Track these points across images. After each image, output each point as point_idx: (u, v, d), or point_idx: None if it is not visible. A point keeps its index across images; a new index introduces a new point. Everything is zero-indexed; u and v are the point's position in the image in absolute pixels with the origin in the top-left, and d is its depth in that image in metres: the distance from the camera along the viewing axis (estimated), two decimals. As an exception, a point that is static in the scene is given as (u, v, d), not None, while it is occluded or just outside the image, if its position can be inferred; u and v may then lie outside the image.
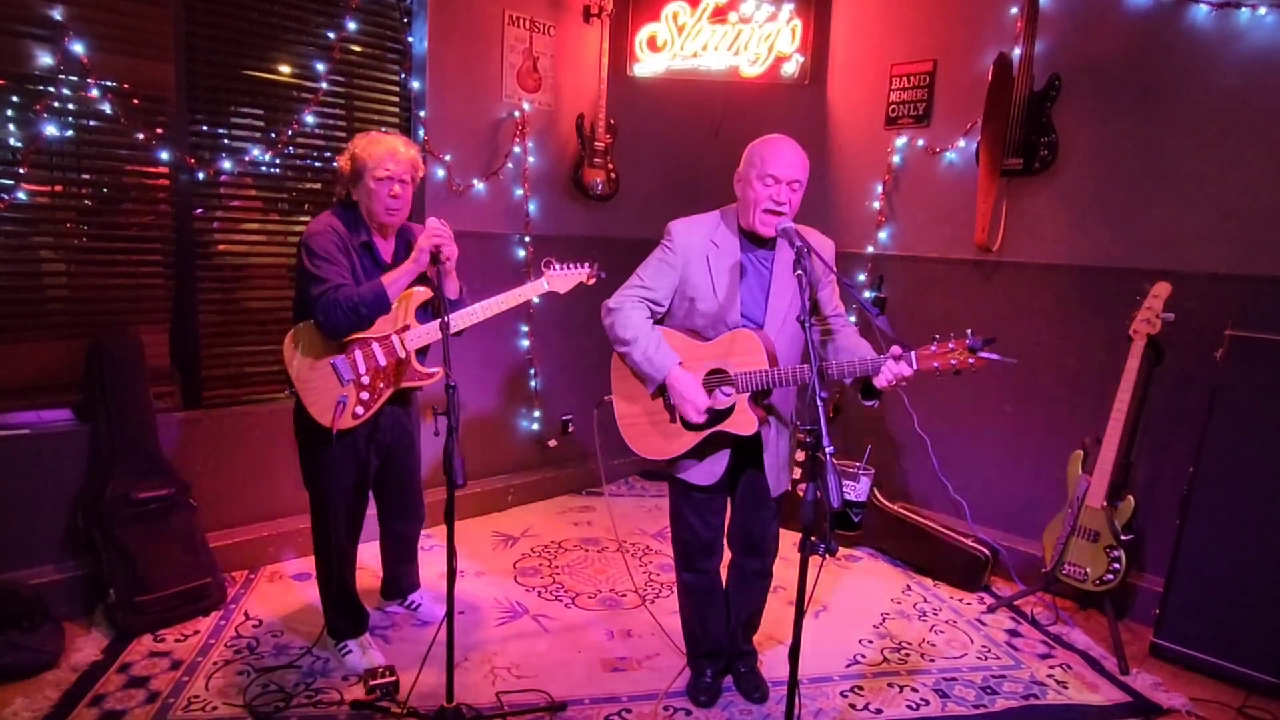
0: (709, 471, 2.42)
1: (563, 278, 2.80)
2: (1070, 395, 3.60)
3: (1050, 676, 2.92)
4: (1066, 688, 2.85)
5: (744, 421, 2.31)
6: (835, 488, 1.87)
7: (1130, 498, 3.13)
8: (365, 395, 2.54)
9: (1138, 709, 2.75)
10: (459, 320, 2.62)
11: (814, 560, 1.97)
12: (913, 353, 2.11)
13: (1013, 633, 3.24)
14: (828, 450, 1.89)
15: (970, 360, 2.07)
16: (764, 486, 2.45)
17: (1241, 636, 2.89)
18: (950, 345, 2.09)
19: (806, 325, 2.04)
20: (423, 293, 2.61)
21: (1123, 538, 3.10)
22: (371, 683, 2.56)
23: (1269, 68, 3.05)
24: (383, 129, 2.66)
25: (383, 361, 2.57)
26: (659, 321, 2.46)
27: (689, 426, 2.37)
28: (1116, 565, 3.11)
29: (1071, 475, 3.28)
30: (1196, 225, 3.25)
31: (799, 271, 2.12)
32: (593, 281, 2.85)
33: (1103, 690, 2.85)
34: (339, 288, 2.39)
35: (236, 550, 3.34)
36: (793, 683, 2.10)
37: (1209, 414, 3.00)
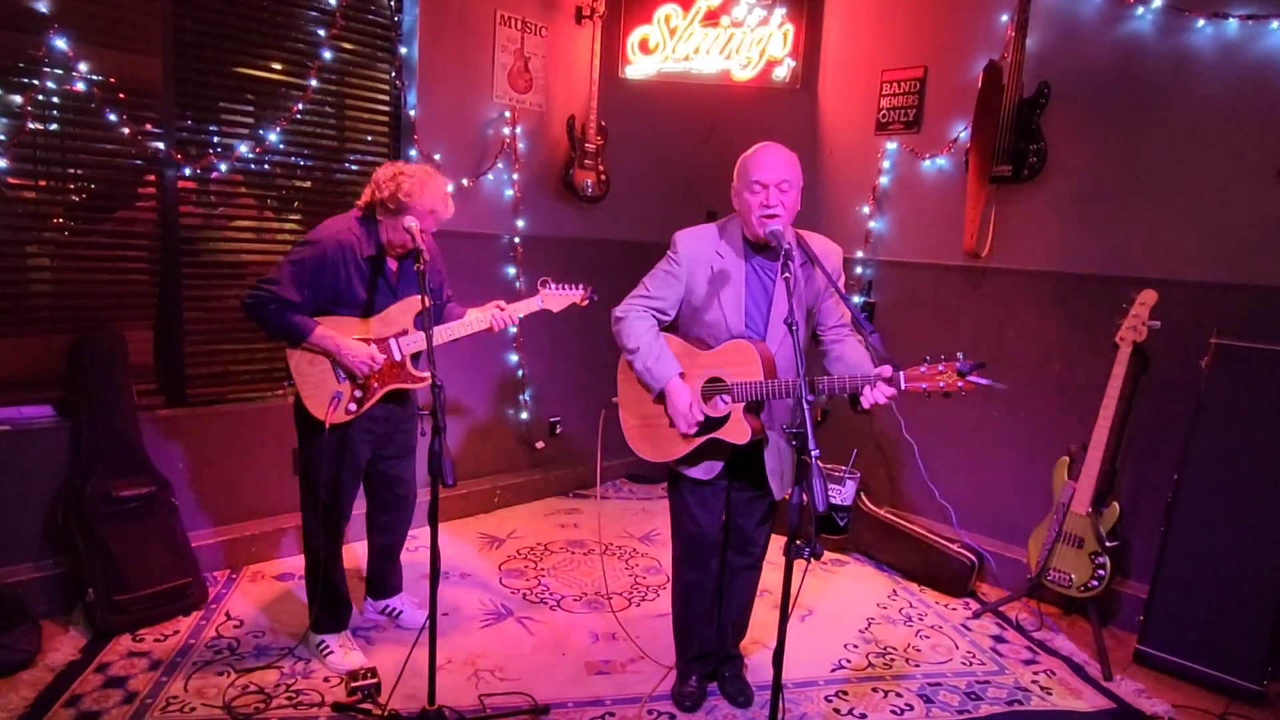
0: (708, 468, 2.46)
1: (557, 297, 2.88)
2: (1056, 402, 3.61)
3: (1034, 682, 2.92)
4: (1051, 694, 2.86)
5: (738, 431, 2.34)
6: (820, 491, 1.88)
7: (1115, 504, 3.14)
8: (359, 393, 2.61)
9: (1121, 716, 2.76)
10: (457, 329, 2.72)
11: (799, 564, 1.97)
12: (901, 374, 2.11)
13: (998, 638, 3.25)
14: (813, 454, 1.89)
15: (959, 384, 2.07)
16: (757, 487, 2.48)
17: (1225, 644, 2.91)
18: (940, 368, 2.08)
19: (794, 329, 2.04)
20: (417, 302, 2.63)
21: (1107, 544, 3.11)
22: (353, 684, 2.53)
23: (1257, 78, 3.08)
24: (415, 164, 2.68)
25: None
26: (669, 328, 2.49)
27: (685, 434, 2.40)
28: (1101, 572, 3.12)
29: (1057, 481, 3.29)
30: (1183, 234, 3.27)
31: (785, 275, 2.12)
32: (585, 304, 2.94)
33: (1086, 697, 2.85)
34: (278, 298, 2.46)
35: (218, 549, 3.30)
36: (776, 686, 2.09)
37: (1194, 421, 3.02)
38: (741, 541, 2.62)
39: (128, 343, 3.08)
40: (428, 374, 2.61)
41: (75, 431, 2.96)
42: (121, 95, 3.05)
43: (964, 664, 3.03)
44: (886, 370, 2.13)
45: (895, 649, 3.10)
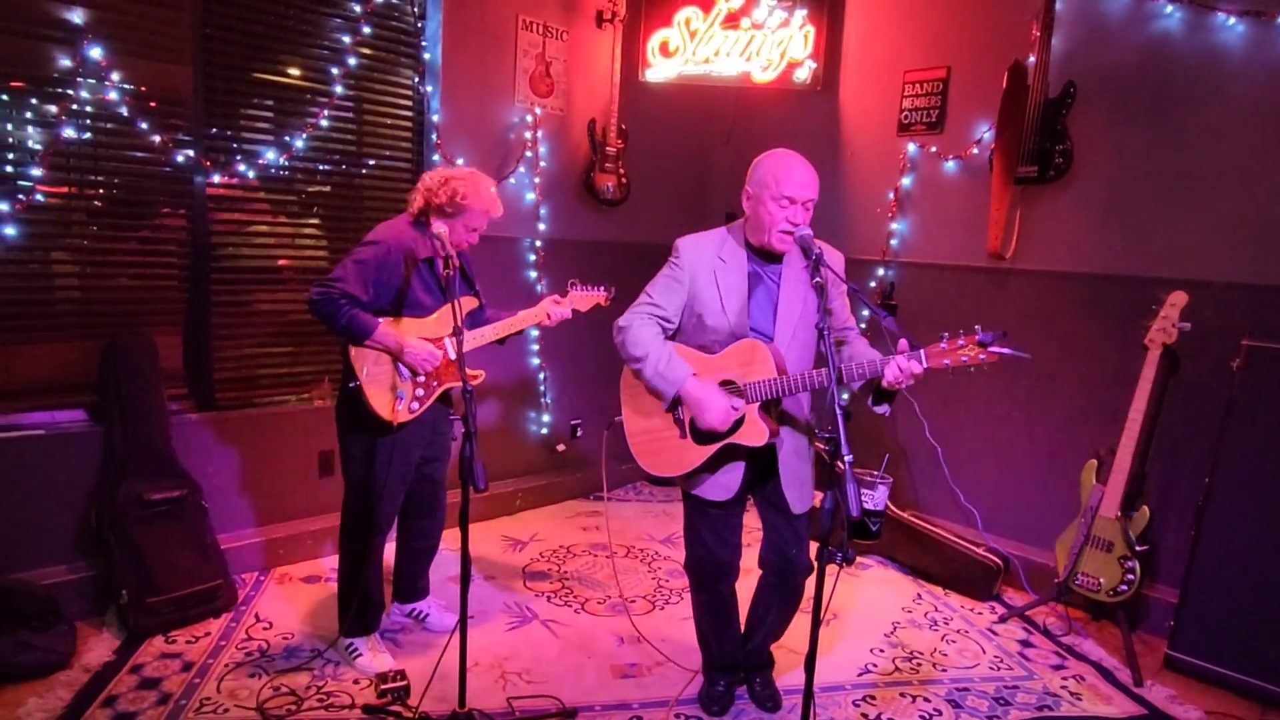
0: (724, 486, 2.40)
1: (584, 298, 2.99)
2: (1084, 404, 3.58)
3: (1064, 688, 2.90)
4: (1080, 699, 2.83)
5: (754, 432, 2.30)
6: (854, 497, 1.87)
7: (1145, 508, 3.11)
8: (420, 392, 2.67)
9: (1152, 722, 2.73)
10: (501, 330, 2.84)
11: (829, 570, 1.96)
12: (922, 350, 2.10)
13: (1025, 643, 3.22)
14: (847, 459, 1.88)
15: (981, 356, 2.05)
16: (786, 503, 2.42)
17: (1257, 649, 2.87)
18: (960, 342, 2.07)
19: (826, 332, 2.03)
20: (470, 302, 2.81)
21: (1137, 548, 3.08)
22: (383, 686, 2.56)
23: (1287, 77, 3.04)
24: (461, 165, 2.81)
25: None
26: (670, 338, 2.44)
27: (699, 440, 2.36)
28: (1131, 576, 3.09)
29: (1085, 485, 3.26)
30: (1213, 234, 3.23)
31: (817, 279, 2.11)
32: (607, 304, 3.04)
33: (1117, 702, 2.83)
34: (347, 294, 2.52)
35: (247, 552, 3.34)
36: (808, 693, 2.09)
37: (1225, 424, 2.98)
38: (785, 568, 2.48)
39: (158, 347, 3.12)
40: (479, 372, 2.77)
41: (107, 436, 3.00)
42: (152, 104, 3.09)
43: (991, 669, 3.01)
44: (905, 345, 2.10)
45: (922, 653, 3.09)
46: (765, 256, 2.37)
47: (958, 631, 3.28)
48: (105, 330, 3.07)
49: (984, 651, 3.13)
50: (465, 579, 2.27)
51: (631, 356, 2.37)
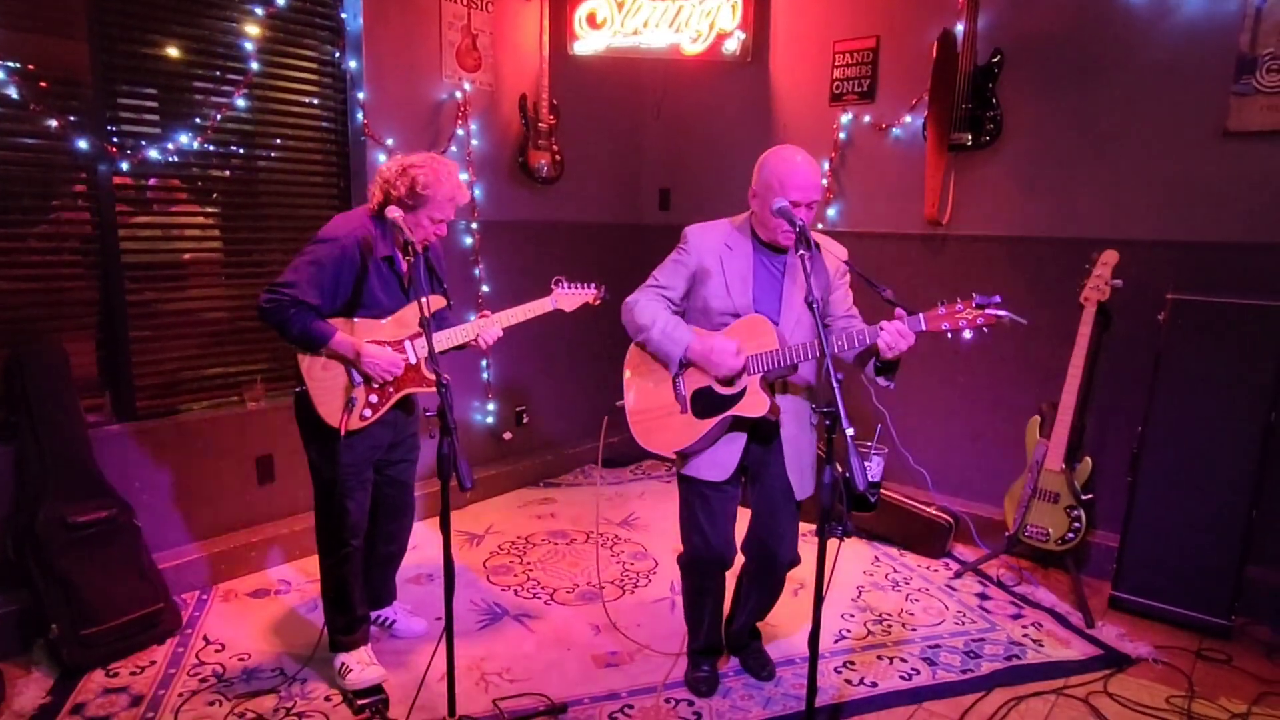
0: (721, 465, 2.38)
1: (569, 296, 2.79)
2: (1024, 363, 3.72)
3: (1026, 636, 3.02)
4: (1043, 645, 2.96)
5: (755, 403, 2.31)
6: (860, 469, 1.88)
7: (1088, 459, 3.27)
8: (374, 398, 2.49)
9: (1109, 660, 2.87)
10: (458, 336, 2.61)
11: (810, 547, 1.96)
12: (921, 315, 2.15)
13: (982, 596, 3.35)
14: (848, 432, 1.88)
15: (979, 319, 2.12)
16: (780, 492, 2.42)
17: (1193, 583, 3.06)
18: (959, 306, 2.14)
19: (814, 308, 2.03)
20: (437, 301, 2.61)
21: (1083, 497, 3.24)
22: (359, 702, 2.42)
23: (1199, 41, 3.20)
24: (436, 152, 2.55)
25: None
26: None
27: (700, 415, 2.35)
28: (1077, 524, 3.25)
29: (1030, 440, 3.40)
30: (1137, 194, 3.39)
31: (801, 250, 2.10)
32: (598, 303, 2.85)
33: (1075, 645, 2.97)
34: (298, 301, 2.34)
35: (186, 570, 3.10)
36: (813, 671, 2.09)
37: (1155, 374, 3.15)
38: (767, 559, 2.50)
39: (69, 355, 2.83)
40: (444, 377, 2.57)
41: (19, 455, 2.71)
42: (43, 84, 2.77)
43: (957, 624, 3.11)
44: (902, 314, 2.15)
45: (890, 614, 3.16)
46: (770, 248, 2.40)
47: (919, 590, 3.38)
48: (7, 340, 2.76)
49: (947, 608, 3.24)
50: (450, 582, 2.18)
51: (639, 326, 2.38)
